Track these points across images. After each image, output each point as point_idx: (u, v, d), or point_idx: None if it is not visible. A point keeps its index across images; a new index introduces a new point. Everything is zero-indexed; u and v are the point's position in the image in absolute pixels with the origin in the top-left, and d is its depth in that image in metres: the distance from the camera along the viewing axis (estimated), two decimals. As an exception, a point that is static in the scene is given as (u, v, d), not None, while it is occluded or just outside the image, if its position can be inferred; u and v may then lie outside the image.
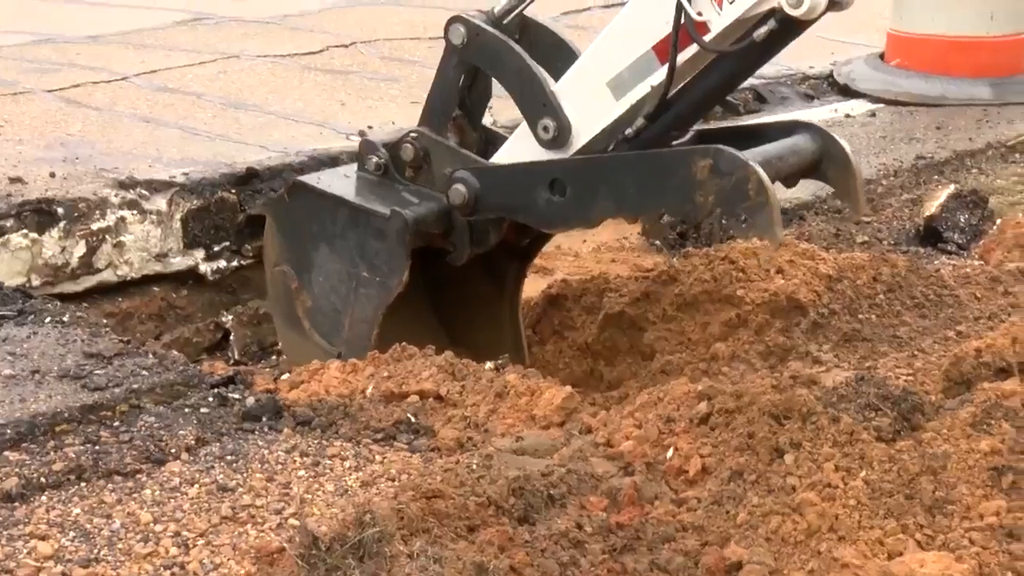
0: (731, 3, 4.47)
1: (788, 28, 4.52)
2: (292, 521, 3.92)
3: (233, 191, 5.86)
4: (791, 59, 9.13)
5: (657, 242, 6.17)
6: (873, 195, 6.60)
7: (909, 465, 3.70)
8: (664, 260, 5.64)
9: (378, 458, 4.35)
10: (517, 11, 5.04)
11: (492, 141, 5.15)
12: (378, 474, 4.24)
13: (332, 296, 5.04)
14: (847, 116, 8.32)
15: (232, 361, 5.56)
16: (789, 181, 4.75)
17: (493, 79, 5.17)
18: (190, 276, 5.74)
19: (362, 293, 4.94)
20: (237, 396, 4.75)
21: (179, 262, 5.70)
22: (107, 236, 5.48)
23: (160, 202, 5.64)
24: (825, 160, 4.83)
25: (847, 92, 9.04)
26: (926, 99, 8.48)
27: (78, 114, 6.92)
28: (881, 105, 8.46)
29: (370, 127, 6.74)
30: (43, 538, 3.77)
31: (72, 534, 3.81)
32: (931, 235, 6.14)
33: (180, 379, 4.76)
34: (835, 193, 5.02)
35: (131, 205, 5.57)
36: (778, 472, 3.75)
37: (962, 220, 6.21)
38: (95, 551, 3.74)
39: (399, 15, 9.71)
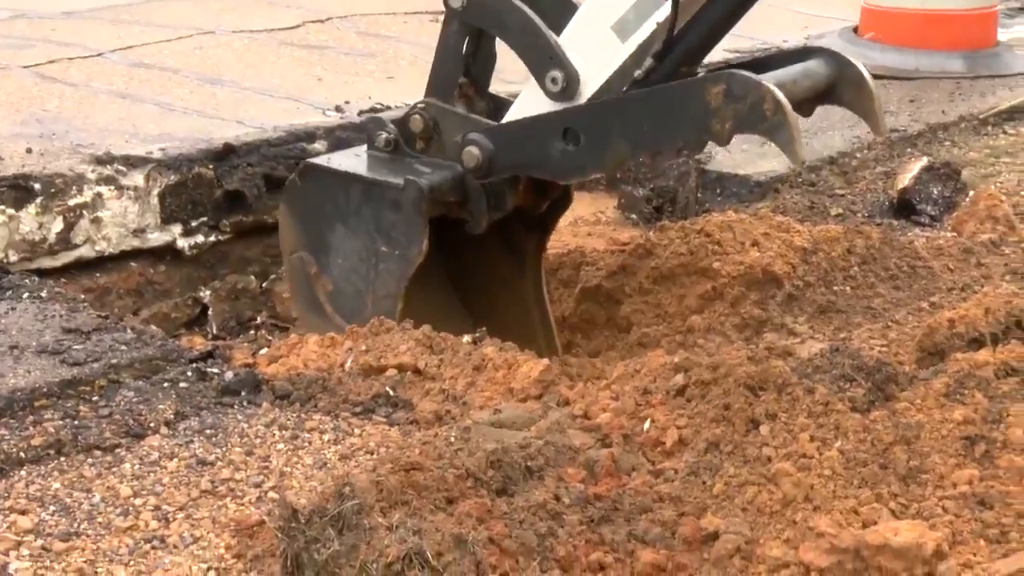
0: None
1: None
2: (271, 494, 3.93)
3: (210, 166, 5.84)
4: (765, 33, 9.14)
5: (633, 216, 6.18)
6: (847, 168, 6.62)
7: (883, 435, 3.71)
8: (640, 234, 5.65)
9: (357, 431, 4.35)
10: None
11: (501, 107, 5.10)
12: (357, 447, 4.24)
13: (352, 276, 4.99)
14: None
15: (210, 336, 5.55)
16: (804, 108, 4.60)
17: (496, 42, 5.12)
18: (168, 251, 5.72)
19: (383, 268, 4.89)
20: (216, 371, 4.74)
21: (157, 237, 5.68)
22: (84, 212, 5.46)
23: (137, 178, 5.62)
24: (840, 83, 4.74)
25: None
26: (900, 72, 8.49)
27: (54, 90, 6.89)
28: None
29: (347, 102, 6.72)
30: (23, 512, 3.77)
31: (52, 508, 3.81)
32: (904, 207, 6.16)
33: (159, 354, 4.75)
34: (855, 114, 4.88)
35: (108, 181, 5.55)
36: (754, 443, 3.76)
37: (935, 192, 6.23)
38: (75, 525, 3.74)
39: (375, -8, 9.69)
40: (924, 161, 6.47)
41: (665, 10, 4.52)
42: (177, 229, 5.73)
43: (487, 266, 5.28)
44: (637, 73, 4.61)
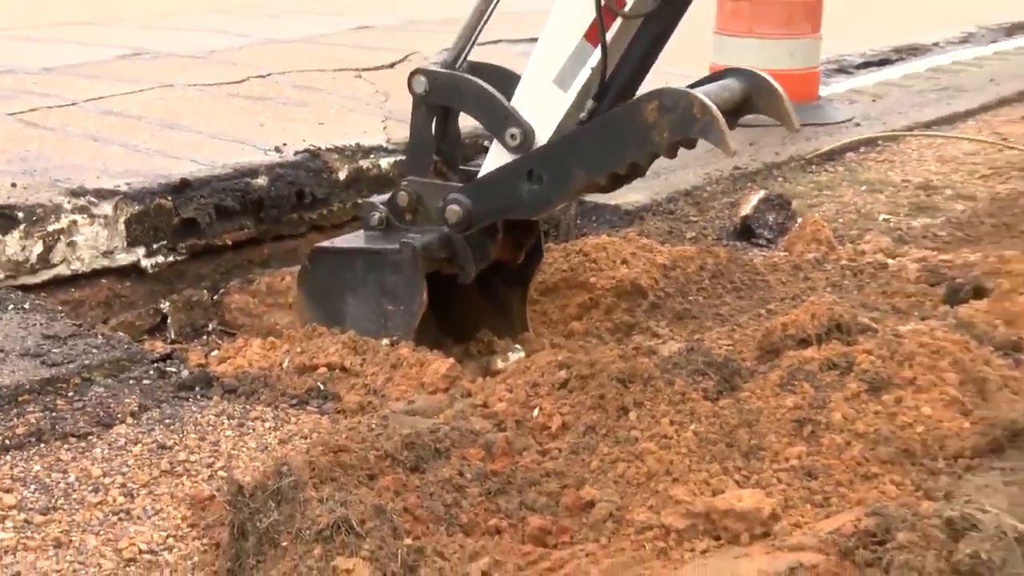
0: None
1: None
2: (221, 473, 3.91)
3: (169, 198, 5.79)
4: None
5: (523, 239, 6.18)
6: (699, 199, 6.66)
7: (729, 419, 3.74)
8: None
9: (293, 420, 4.34)
10: (463, 55, 4.86)
11: (471, 179, 4.94)
12: (293, 433, 4.23)
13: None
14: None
15: (169, 340, 5.49)
16: (729, 120, 4.48)
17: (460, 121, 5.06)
18: (133, 270, 5.66)
19: (391, 325, 4.79)
20: (174, 370, 4.71)
21: (123, 258, 5.62)
22: (61, 236, 5.39)
23: (106, 207, 5.55)
24: (754, 94, 4.71)
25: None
26: (742, 121, 8.50)
27: (35, 134, 6.81)
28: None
29: (285, 144, 6.68)
30: (7, 491, 3.73)
31: (33, 487, 3.78)
32: (746, 231, 6.20)
33: (125, 356, 4.70)
34: (771, 117, 4.86)
35: (82, 210, 5.48)
36: (624, 426, 3.78)
37: (770, 219, 6.29)
38: (53, 501, 3.71)
39: (308, 51, 9.64)
40: (761, 193, 6.53)
41: (596, 56, 4.47)
42: (141, 251, 5.67)
43: (478, 324, 5.22)
44: (581, 116, 4.57)
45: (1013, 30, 11.70)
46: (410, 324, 4.76)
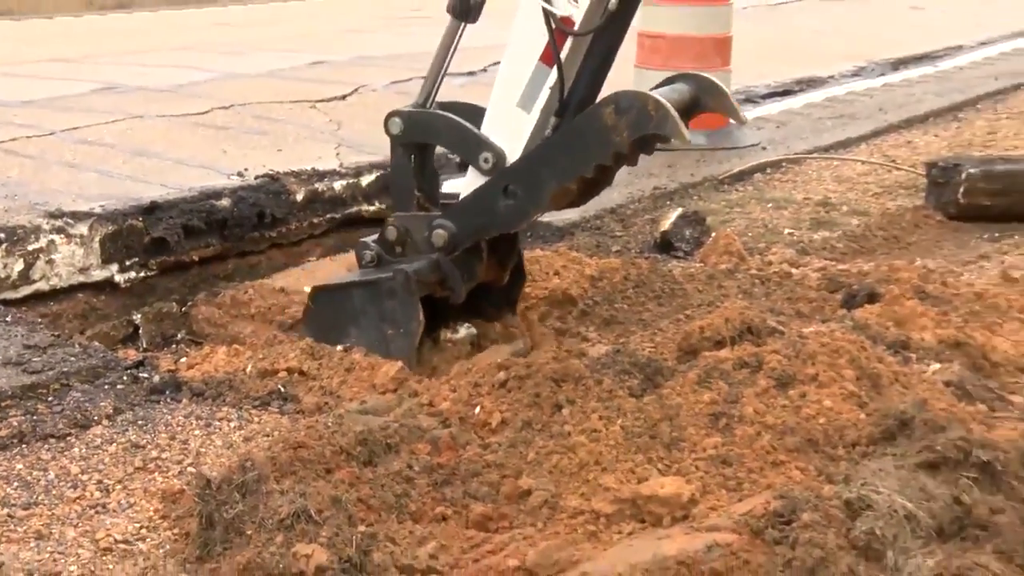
0: None
1: None
2: (190, 469, 3.88)
3: (140, 219, 5.74)
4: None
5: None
6: (624, 216, 6.70)
7: (653, 414, 3.75)
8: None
9: (256, 419, 4.31)
10: (432, 95, 4.76)
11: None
12: (256, 431, 4.20)
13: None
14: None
15: (141, 349, 5.44)
16: (681, 117, 4.37)
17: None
18: (107, 284, 5.61)
19: (393, 348, 4.66)
20: (146, 375, 4.67)
21: (98, 274, 5.57)
22: (41, 255, 5.34)
23: (82, 228, 5.50)
24: (702, 94, 4.61)
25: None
26: (661, 146, 8.55)
27: (15, 162, 6.73)
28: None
29: (246, 169, 6.64)
30: (-7, 488, 3.70)
31: (15, 484, 3.74)
32: (665, 245, 6.23)
33: (100, 363, 4.66)
34: (720, 113, 4.86)
35: (59, 231, 5.43)
36: (557, 422, 3.79)
37: (687, 233, 6.32)
38: (34, 497, 3.68)
39: (267, 85, 9.60)
40: (679, 210, 6.56)
41: (553, 76, 4.40)
42: (114, 267, 5.62)
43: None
44: (547, 132, 4.51)
45: (898, 65, 11.85)
46: (410, 345, 4.68)
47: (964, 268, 5.82)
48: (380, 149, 7.25)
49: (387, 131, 4.74)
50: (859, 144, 8.65)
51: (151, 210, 5.84)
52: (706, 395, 3.80)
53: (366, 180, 6.71)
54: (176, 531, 3.50)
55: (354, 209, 6.61)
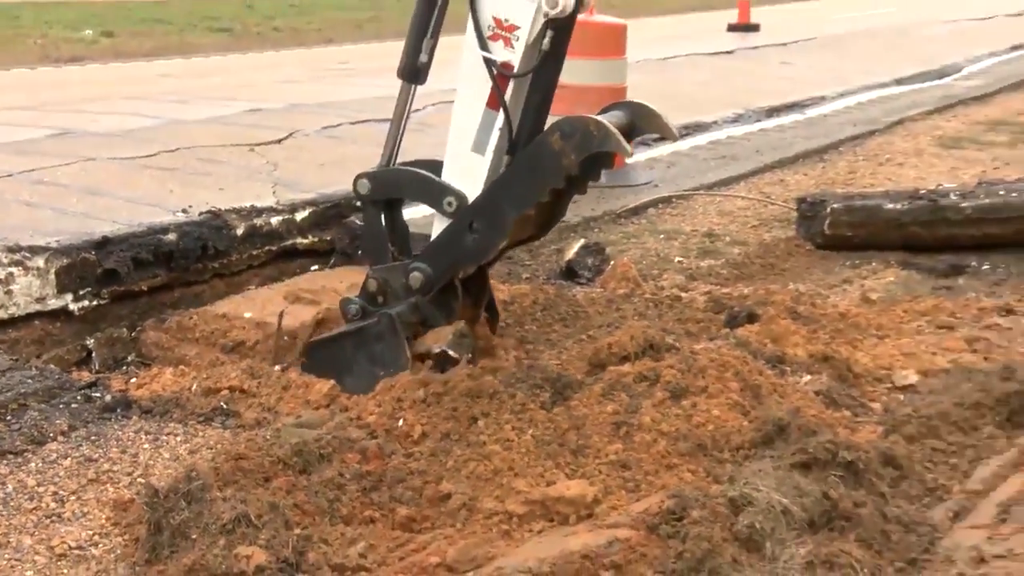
0: (516, 40, 4.19)
1: (560, 29, 4.25)
2: (139, 480, 3.83)
3: (92, 252, 5.65)
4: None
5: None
6: (532, 246, 6.70)
7: (562, 424, 3.77)
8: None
9: (200, 434, 4.27)
10: (394, 153, 4.64)
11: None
12: (201, 444, 4.16)
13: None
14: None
15: (94, 371, 5.33)
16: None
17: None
18: (62, 312, 5.50)
19: None
20: (98, 395, 4.61)
21: (54, 303, 5.45)
22: (0, 285, 5.24)
23: (39, 261, 5.38)
24: (638, 119, 4.50)
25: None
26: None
27: (-23, 201, 6.63)
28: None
29: (191, 206, 6.56)
30: (-46, 501, 3.62)
31: (-24, 497, 3.66)
32: (570, 272, 6.25)
33: (56, 384, 4.59)
34: (655, 133, 4.72)
35: (18, 263, 5.31)
36: (474, 432, 3.79)
37: (589, 262, 6.35)
38: (-6, 508, 3.60)
39: (209, 130, 9.51)
40: (582, 241, 6.59)
41: (500, 118, 4.32)
42: (69, 297, 5.51)
43: None
44: (501, 170, 4.42)
45: (771, 112, 12.03)
46: None
47: (830, 291, 5.91)
48: (313, 187, 7.25)
49: (356, 192, 4.61)
50: (739, 182, 8.75)
51: (103, 244, 5.75)
52: (609, 406, 3.82)
53: (300, 216, 6.66)
54: (126, 537, 3.45)
55: (289, 242, 6.55)
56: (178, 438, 4.22)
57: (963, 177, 8.28)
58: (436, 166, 4.56)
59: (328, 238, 6.66)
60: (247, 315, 5.50)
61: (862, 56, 17.09)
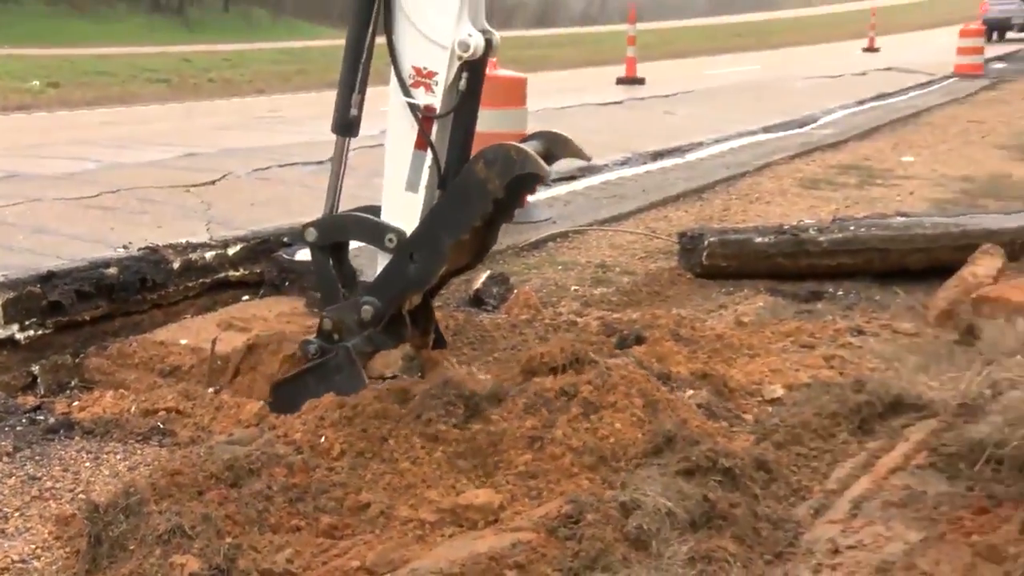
0: (436, 85, 4.12)
1: (475, 71, 4.17)
2: (81, 496, 3.72)
3: (38, 286, 5.52)
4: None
5: (315, 309, 6.08)
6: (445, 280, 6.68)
7: (478, 439, 3.74)
8: (318, 320, 5.54)
9: (139, 452, 4.17)
10: (335, 201, 4.51)
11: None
12: (139, 462, 4.06)
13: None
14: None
15: (39, 395, 5.18)
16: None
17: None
18: (9, 341, 5.36)
19: None
20: (42, 418, 4.47)
21: (1, 333, 5.32)
22: (-49, 318, 5.11)
23: (-12, 294, 5.27)
24: (552, 146, 4.41)
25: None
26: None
27: (-71, 238, 6.44)
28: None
29: (130, 243, 6.45)
30: (-96, 519, 3.47)
31: (-76, 515, 3.52)
32: (477, 300, 6.23)
33: (2, 409, 4.46)
34: (569, 157, 4.54)
35: (-33, 297, 5.20)
36: (387, 450, 3.75)
37: (495, 291, 6.33)
38: (-57, 525, 3.46)
39: (148, 172, 9.37)
40: (488, 272, 6.58)
41: (428, 157, 4.24)
42: (15, 327, 5.38)
43: None
44: (435, 202, 4.32)
45: (656, 156, 12.18)
46: None
47: (708, 315, 5.98)
48: (244, 225, 7.17)
49: (305, 240, 4.49)
50: (628, 218, 8.83)
51: (48, 278, 5.62)
52: (529, 421, 3.78)
53: (232, 250, 6.58)
54: (68, 550, 3.34)
55: (222, 275, 6.47)
56: (118, 456, 4.12)
57: (820, 214, 8.45)
58: (375, 210, 4.48)
59: (258, 271, 6.58)
60: (183, 342, 5.41)
61: (734, 107, 17.43)
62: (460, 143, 4.37)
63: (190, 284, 6.29)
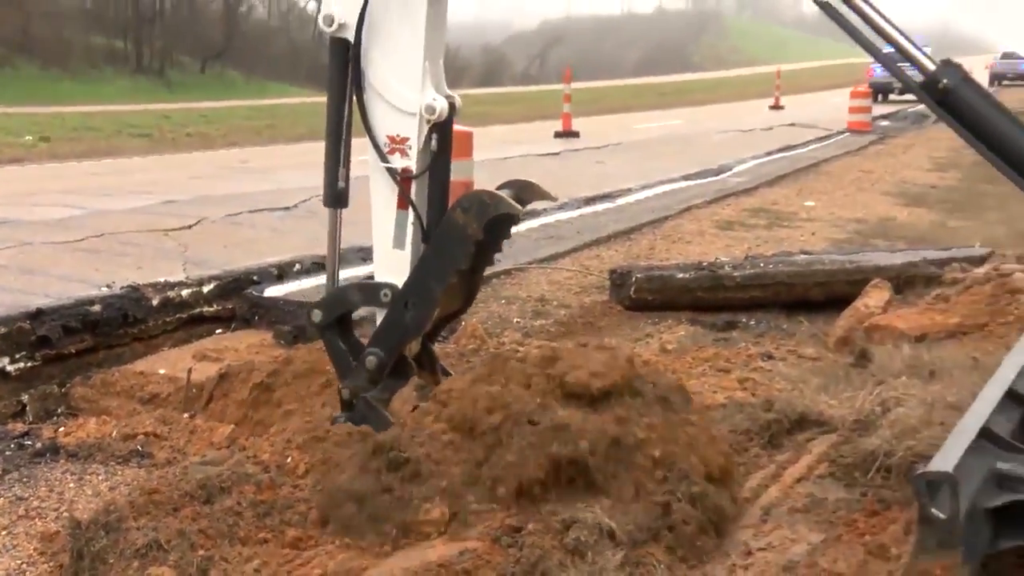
0: (410, 149, 4.05)
1: (443, 131, 4.10)
2: (65, 514, 3.63)
3: (28, 322, 5.43)
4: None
5: (282, 341, 6.02)
6: (440, 326, 6.60)
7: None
8: (284, 351, 5.50)
9: (119, 473, 4.10)
10: (335, 276, 4.37)
11: None
12: (119, 482, 3.98)
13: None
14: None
15: (28, 422, 5.08)
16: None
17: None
18: (0, 373, 5.26)
19: None
20: (30, 443, 4.38)
21: (-7, 365, 5.23)
22: (-54, 352, 4.99)
23: (-19, 330, 5.16)
24: (520, 192, 4.32)
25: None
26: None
27: (-73, 279, 6.30)
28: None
29: (113, 282, 6.36)
30: None
31: (-82, 534, 3.42)
32: (432, 331, 6.18)
33: (-7, 434, 4.36)
34: (537, 200, 4.42)
35: (-38, 332, 5.09)
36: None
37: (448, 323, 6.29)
38: (-67, 543, 3.37)
39: (130, 218, 9.25)
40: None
41: (410, 215, 4.14)
42: (6, 360, 5.27)
43: None
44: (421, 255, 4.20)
45: (589, 201, 12.26)
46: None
47: (635, 343, 6.01)
48: (218, 265, 7.09)
49: (311, 324, 4.33)
50: (564, 256, 8.87)
51: (37, 315, 5.53)
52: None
53: (206, 288, 6.51)
54: (52, 564, 3.27)
55: (197, 310, 6.39)
56: (100, 477, 4.04)
57: (734, 252, 8.54)
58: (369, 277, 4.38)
59: (230, 307, 6.52)
60: (161, 372, 5.34)
61: (658, 157, 17.62)
62: (438, 198, 4.31)
63: (168, 319, 6.21)
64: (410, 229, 4.24)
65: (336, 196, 4.32)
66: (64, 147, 18.75)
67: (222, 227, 8.98)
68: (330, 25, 3.94)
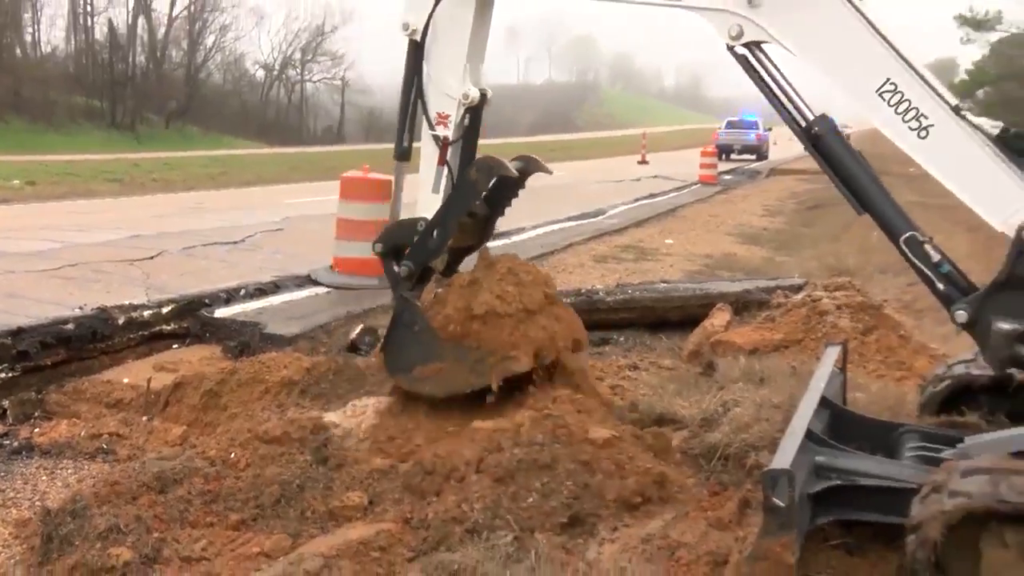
0: (450, 123, 4.21)
1: (474, 113, 4.29)
2: (37, 503, 3.48)
3: (9, 338, 5.20)
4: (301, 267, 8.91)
5: (229, 354, 5.88)
6: (329, 329, 6.51)
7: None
8: (231, 363, 5.35)
9: (86, 467, 3.96)
10: (397, 211, 4.51)
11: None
12: (87, 475, 3.85)
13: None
14: (316, 294, 8.06)
15: (8, 424, 4.83)
16: (520, 180, 4.34)
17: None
18: (-17, 383, 5.02)
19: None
20: (8, 442, 4.21)
21: (-24, 376, 4.98)
22: (-67, 365, 4.72)
23: (-35, 345, 4.91)
24: (526, 165, 4.43)
25: (315, 283, 8.17)
26: (359, 285, 8.35)
27: (-83, 302, 5.95)
28: (333, 290, 8.25)
29: (85, 304, 6.12)
30: None
31: (-98, 524, 3.22)
32: (354, 347, 6.04)
33: (-26, 436, 4.14)
34: (538, 172, 4.51)
35: (-53, 347, 4.82)
36: (280, 465, 3.61)
37: (367, 340, 6.09)
38: (-82, 531, 3.18)
39: (100, 250, 8.92)
40: (362, 325, 6.43)
41: (445, 170, 4.27)
42: (-11, 371, 5.04)
43: None
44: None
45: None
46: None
47: (527, 355, 5.99)
48: (176, 290, 6.89)
49: (375, 252, 4.43)
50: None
51: (17, 333, 5.31)
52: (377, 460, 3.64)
53: (165, 309, 6.33)
54: (24, 547, 3.14)
55: (157, 328, 6.21)
56: (69, 471, 3.88)
57: (608, 281, 8.66)
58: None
59: (185, 325, 6.35)
60: (125, 380, 5.16)
61: (547, 202, 17.75)
62: (465, 161, 4.44)
63: (131, 336, 6.02)
64: (444, 180, 4.40)
65: (402, 152, 4.50)
66: (47, 190, 18.00)
67: (179, 258, 8.73)
68: (406, 30, 4.19)
